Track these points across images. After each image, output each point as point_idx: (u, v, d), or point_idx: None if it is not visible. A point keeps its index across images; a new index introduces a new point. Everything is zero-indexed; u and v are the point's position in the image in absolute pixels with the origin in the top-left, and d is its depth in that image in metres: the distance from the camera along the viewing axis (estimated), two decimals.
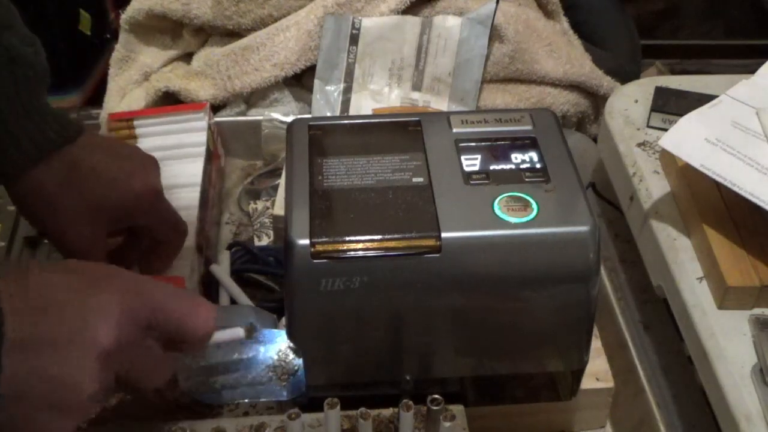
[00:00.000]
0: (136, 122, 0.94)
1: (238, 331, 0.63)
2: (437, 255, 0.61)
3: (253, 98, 1.05)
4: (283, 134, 0.94)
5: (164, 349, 0.57)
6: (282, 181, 0.87)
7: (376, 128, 0.71)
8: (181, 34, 1.10)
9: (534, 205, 0.63)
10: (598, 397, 0.74)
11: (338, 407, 0.60)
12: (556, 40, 1.06)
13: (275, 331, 0.72)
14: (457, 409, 0.65)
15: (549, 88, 1.04)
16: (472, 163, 0.66)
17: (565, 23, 1.16)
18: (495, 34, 1.01)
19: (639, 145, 0.85)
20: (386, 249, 0.60)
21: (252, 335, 0.64)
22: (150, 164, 0.72)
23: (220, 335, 0.61)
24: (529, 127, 0.70)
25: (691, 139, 0.73)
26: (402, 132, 0.70)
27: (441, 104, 1.02)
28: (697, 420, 0.74)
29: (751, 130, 0.74)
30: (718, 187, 0.74)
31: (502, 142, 0.68)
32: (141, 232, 0.75)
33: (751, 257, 0.70)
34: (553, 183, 0.65)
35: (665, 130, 0.79)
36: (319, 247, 0.60)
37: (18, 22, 0.67)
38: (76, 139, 0.69)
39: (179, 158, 0.90)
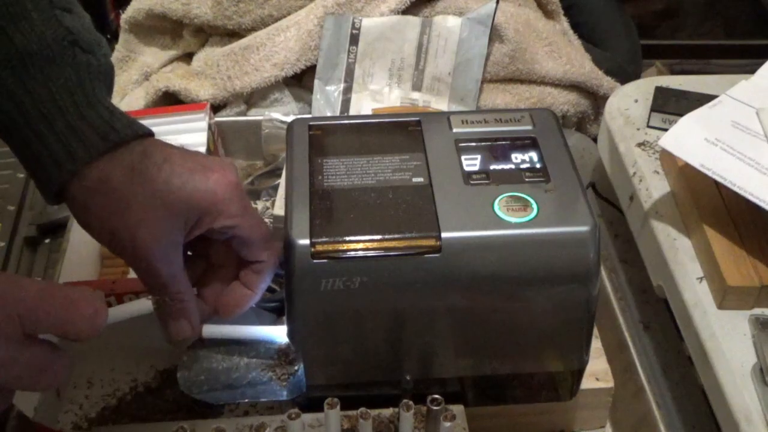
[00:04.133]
0: None
1: (144, 303, 0.58)
2: (437, 255, 0.60)
3: (253, 98, 1.05)
4: (283, 134, 0.94)
5: (59, 343, 0.53)
6: (282, 181, 0.87)
7: (376, 128, 0.71)
8: (181, 34, 1.10)
9: (534, 205, 0.63)
10: (598, 397, 0.74)
11: (338, 407, 0.60)
12: (556, 40, 1.06)
13: None
14: (457, 409, 0.65)
15: (549, 88, 1.04)
16: (472, 163, 0.66)
17: (565, 23, 1.16)
18: (495, 34, 1.01)
19: (639, 145, 0.85)
20: (386, 249, 0.60)
21: (164, 306, 0.59)
22: (228, 163, 0.64)
23: (122, 310, 0.57)
24: (529, 127, 0.70)
25: (691, 139, 0.73)
26: (402, 132, 0.70)
27: (441, 104, 1.02)
28: (697, 420, 0.74)
29: (751, 130, 0.74)
30: (718, 187, 0.74)
31: (502, 142, 0.68)
32: (222, 251, 0.65)
33: (751, 257, 0.70)
34: (553, 183, 0.65)
35: (665, 130, 0.79)
36: (319, 247, 0.60)
37: (81, 12, 0.63)
38: (146, 137, 0.61)
39: None
